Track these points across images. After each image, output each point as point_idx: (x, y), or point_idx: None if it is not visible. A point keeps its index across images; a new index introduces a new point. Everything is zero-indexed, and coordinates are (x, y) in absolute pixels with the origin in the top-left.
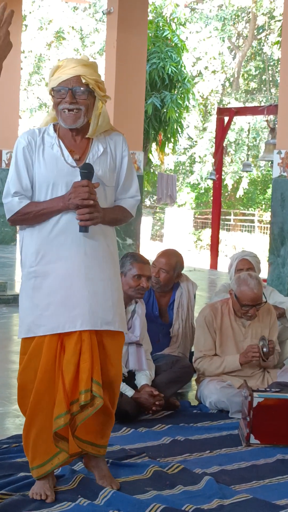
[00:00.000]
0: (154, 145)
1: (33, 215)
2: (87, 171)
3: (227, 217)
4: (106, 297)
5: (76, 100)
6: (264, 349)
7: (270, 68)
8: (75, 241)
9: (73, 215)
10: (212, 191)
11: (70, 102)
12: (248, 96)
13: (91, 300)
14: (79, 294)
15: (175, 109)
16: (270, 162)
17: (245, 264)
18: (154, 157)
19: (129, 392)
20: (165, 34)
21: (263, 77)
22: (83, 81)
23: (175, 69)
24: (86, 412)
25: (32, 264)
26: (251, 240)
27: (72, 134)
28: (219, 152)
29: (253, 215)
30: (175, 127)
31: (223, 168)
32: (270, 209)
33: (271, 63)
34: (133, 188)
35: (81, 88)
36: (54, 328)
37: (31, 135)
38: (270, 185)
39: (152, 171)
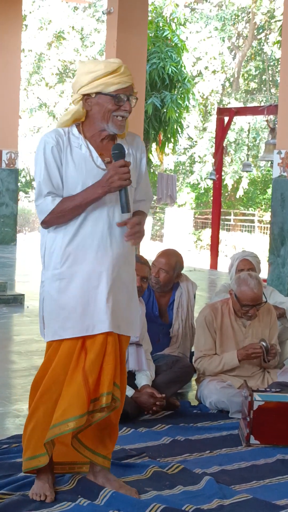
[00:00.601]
0: (154, 145)
1: (70, 210)
2: (118, 152)
3: (227, 217)
4: (128, 300)
5: (131, 107)
6: (264, 344)
7: (270, 68)
8: (101, 243)
9: (99, 216)
10: (212, 191)
11: (130, 111)
12: (248, 96)
13: (117, 303)
14: (106, 297)
15: (175, 109)
16: (270, 162)
17: (246, 265)
18: (154, 157)
19: (129, 392)
20: (165, 34)
21: (263, 77)
22: (135, 90)
23: (175, 69)
24: (102, 413)
25: (56, 267)
26: (251, 240)
27: (100, 136)
28: (219, 152)
29: (253, 215)
30: (175, 127)
31: (223, 168)
32: (270, 209)
33: (271, 63)
34: (149, 188)
35: (135, 98)
36: (82, 331)
37: (58, 134)
38: (270, 185)
39: (152, 171)
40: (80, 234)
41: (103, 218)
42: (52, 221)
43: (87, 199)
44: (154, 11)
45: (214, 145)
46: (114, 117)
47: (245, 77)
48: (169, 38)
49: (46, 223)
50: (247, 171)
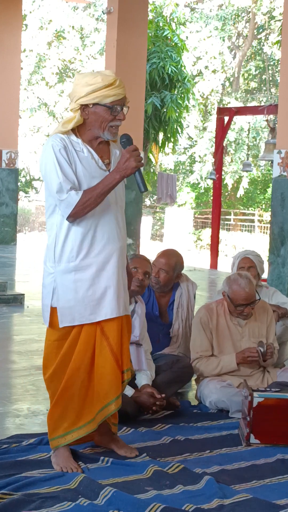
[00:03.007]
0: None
1: (94, 199)
2: (126, 139)
3: (227, 216)
4: (127, 286)
5: (125, 116)
6: (262, 349)
7: (270, 67)
8: (111, 236)
9: (108, 213)
10: (212, 190)
11: (123, 120)
12: (248, 95)
13: (123, 288)
14: (117, 284)
15: (175, 109)
16: (270, 162)
17: (247, 263)
18: (154, 156)
19: (129, 392)
20: (165, 33)
21: (263, 76)
22: (127, 100)
23: (175, 69)
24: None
25: (71, 260)
26: (251, 240)
27: (96, 141)
28: (219, 151)
29: (253, 214)
30: (175, 127)
31: (223, 168)
32: (270, 209)
33: (271, 63)
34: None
35: (127, 107)
36: (102, 315)
37: (62, 139)
38: (270, 185)
39: (152, 171)
40: (92, 229)
41: (111, 215)
42: (78, 212)
43: (108, 185)
44: (154, 11)
45: (214, 144)
46: (110, 127)
47: (245, 77)
48: (169, 37)
49: (73, 216)
50: (247, 171)
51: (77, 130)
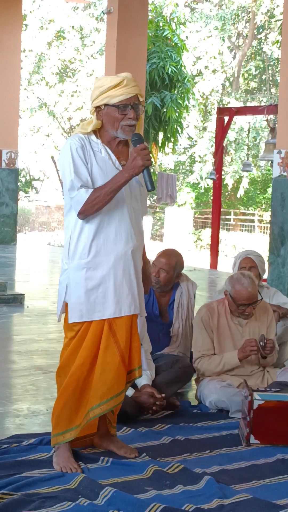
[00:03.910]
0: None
1: (103, 197)
2: (137, 138)
3: (227, 216)
4: (141, 283)
5: (137, 115)
6: (261, 343)
7: (270, 67)
8: (124, 236)
9: (124, 211)
10: (212, 190)
11: (135, 118)
12: (248, 95)
13: (138, 288)
14: (130, 283)
15: (175, 108)
16: (270, 162)
17: (248, 263)
18: (153, 156)
19: (129, 392)
20: (165, 33)
21: (263, 76)
22: (140, 99)
23: (175, 69)
24: (129, 384)
25: (83, 257)
26: (251, 239)
27: (115, 141)
28: (219, 151)
29: (253, 214)
30: (175, 127)
31: (223, 168)
32: (270, 209)
33: (271, 63)
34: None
35: (141, 106)
36: (111, 313)
37: (80, 138)
38: (270, 185)
39: (152, 170)
40: (104, 228)
41: (125, 215)
42: (88, 210)
43: (116, 184)
44: (154, 11)
45: (214, 144)
46: (123, 126)
47: (245, 77)
48: (169, 37)
49: (83, 213)
50: (247, 171)
51: (98, 131)
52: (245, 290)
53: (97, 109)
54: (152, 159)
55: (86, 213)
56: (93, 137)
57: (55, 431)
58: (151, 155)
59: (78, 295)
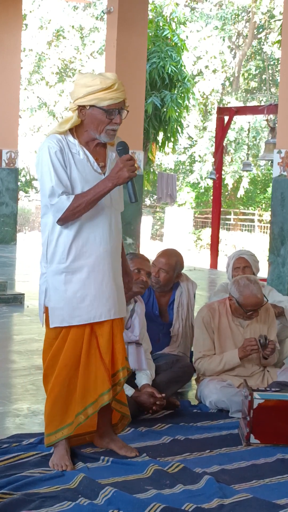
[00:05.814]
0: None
1: (84, 205)
2: (122, 148)
3: (227, 216)
4: (120, 285)
5: (121, 120)
6: (261, 341)
7: (270, 67)
8: (103, 239)
9: (100, 216)
10: (212, 190)
11: (120, 123)
12: (248, 95)
13: (117, 292)
14: (109, 287)
15: (175, 108)
16: (270, 162)
17: (242, 263)
18: (152, 155)
19: (129, 391)
20: (165, 33)
21: (263, 76)
22: (126, 104)
23: (175, 69)
24: (120, 386)
25: (62, 261)
26: (251, 239)
27: (93, 143)
28: (219, 151)
29: (253, 214)
30: (175, 127)
31: (223, 168)
32: (270, 209)
33: (271, 63)
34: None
35: (126, 111)
36: (91, 318)
37: (58, 140)
38: (270, 185)
39: (152, 170)
40: (83, 231)
41: (104, 217)
42: (68, 217)
43: (99, 193)
44: (154, 11)
45: (214, 144)
46: (107, 130)
47: (245, 77)
48: (169, 37)
49: (63, 220)
50: (247, 171)
51: (74, 130)
52: (254, 297)
53: (80, 107)
54: (151, 159)
55: (66, 220)
56: (70, 138)
57: (47, 431)
58: (150, 154)
59: (57, 299)
